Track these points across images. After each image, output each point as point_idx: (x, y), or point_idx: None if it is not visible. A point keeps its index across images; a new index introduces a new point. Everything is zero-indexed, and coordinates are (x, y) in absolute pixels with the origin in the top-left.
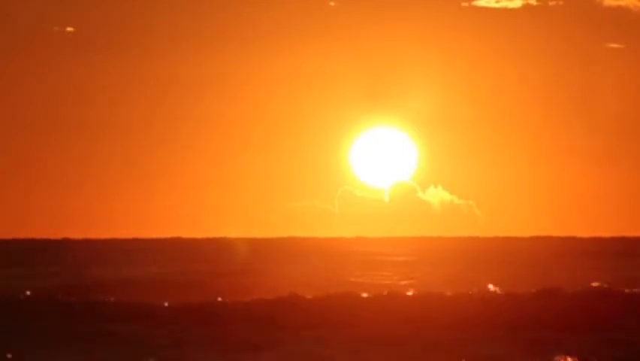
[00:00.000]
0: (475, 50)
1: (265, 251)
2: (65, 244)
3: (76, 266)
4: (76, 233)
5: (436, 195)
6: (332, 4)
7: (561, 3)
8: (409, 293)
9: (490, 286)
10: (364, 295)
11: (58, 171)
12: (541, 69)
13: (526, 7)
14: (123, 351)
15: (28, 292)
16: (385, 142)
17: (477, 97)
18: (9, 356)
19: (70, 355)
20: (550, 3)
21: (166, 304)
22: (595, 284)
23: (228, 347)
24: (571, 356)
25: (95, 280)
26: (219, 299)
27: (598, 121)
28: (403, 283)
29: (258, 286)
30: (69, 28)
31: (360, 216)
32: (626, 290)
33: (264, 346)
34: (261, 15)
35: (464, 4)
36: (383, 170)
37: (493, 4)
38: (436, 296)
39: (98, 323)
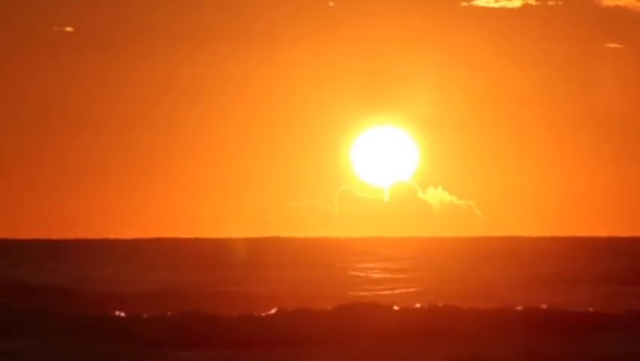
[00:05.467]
0: (475, 50)
1: (258, 252)
2: (62, 244)
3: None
4: (74, 233)
5: (436, 196)
6: (331, 4)
7: (560, 3)
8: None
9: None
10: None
11: (57, 171)
12: (540, 69)
13: (526, 7)
14: None
15: None
16: (385, 142)
17: (477, 97)
18: None
19: None
20: (550, 3)
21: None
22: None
23: None
24: None
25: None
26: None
27: (598, 121)
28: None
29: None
30: (68, 28)
31: (360, 216)
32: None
33: None
34: (261, 15)
35: (463, 3)
36: (383, 170)
37: (492, 4)
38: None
39: None
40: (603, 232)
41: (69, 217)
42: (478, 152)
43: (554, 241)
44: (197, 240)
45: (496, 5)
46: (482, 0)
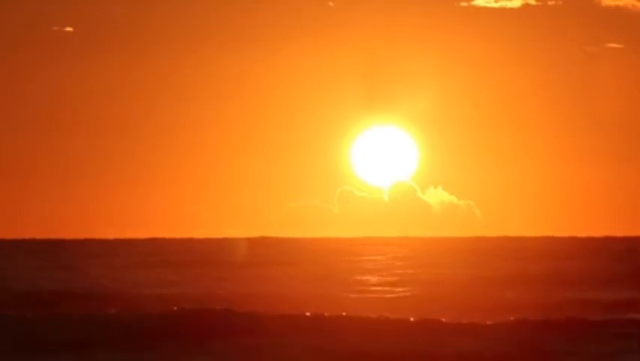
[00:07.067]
0: (475, 50)
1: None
2: (62, 245)
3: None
4: (74, 233)
5: (436, 196)
6: (331, 4)
7: (560, 3)
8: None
9: None
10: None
11: (56, 171)
12: (540, 69)
13: (526, 7)
14: None
15: None
16: (385, 142)
17: (477, 97)
18: None
19: None
20: (550, 3)
21: None
22: None
23: None
24: None
25: None
26: None
27: (597, 121)
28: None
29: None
30: (68, 28)
31: (360, 216)
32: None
33: None
34: (261, 15)
35: (463, 3)
36: (383, 170)
37: (492, 4)
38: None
39: None
40: (603, 232)
41: (68, 217)
42: (478, 152)
43: (553, 241)
44: (195, 240)
45: (496, 5)
46: (482, 0)
